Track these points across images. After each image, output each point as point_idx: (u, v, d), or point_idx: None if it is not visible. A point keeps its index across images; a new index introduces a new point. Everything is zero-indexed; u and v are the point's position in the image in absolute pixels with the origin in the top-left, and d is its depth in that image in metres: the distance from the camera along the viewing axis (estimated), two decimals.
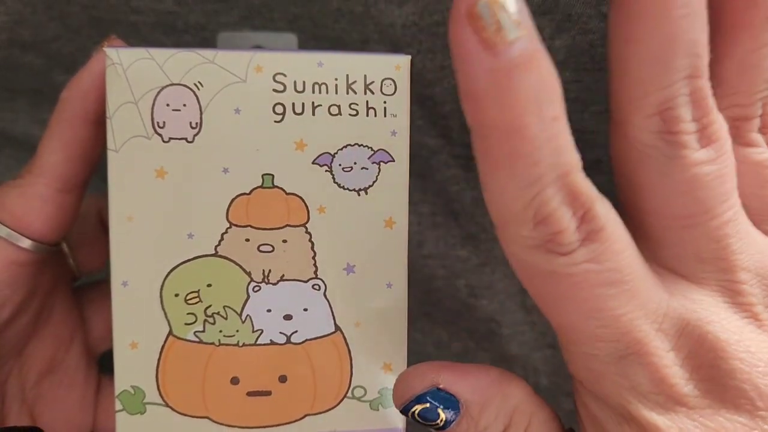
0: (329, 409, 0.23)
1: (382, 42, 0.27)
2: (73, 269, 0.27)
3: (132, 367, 0.22)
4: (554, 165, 0.16)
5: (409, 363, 0.24)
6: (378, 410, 0.23)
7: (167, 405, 0.22)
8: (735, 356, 0.18)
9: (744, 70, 0.19)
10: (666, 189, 0.18)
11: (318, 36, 0.27)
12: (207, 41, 0.28)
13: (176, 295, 0.22)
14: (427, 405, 0.20)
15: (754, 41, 0.19)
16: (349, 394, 0.23)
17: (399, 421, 0.23)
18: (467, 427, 0.20)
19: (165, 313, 0.22)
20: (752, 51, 0.19)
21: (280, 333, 0.22)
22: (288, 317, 0.22)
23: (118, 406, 0.22)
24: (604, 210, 0.17)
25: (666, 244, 0.19)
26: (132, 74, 0.21)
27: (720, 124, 0.18)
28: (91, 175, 0.25)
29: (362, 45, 0.27)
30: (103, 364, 0.28)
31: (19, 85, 0.30)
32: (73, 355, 0.27)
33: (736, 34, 0.19)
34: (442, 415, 0.20)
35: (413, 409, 0.20)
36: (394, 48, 0.26)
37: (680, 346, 0.18)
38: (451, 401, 0.20)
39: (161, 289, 0.22)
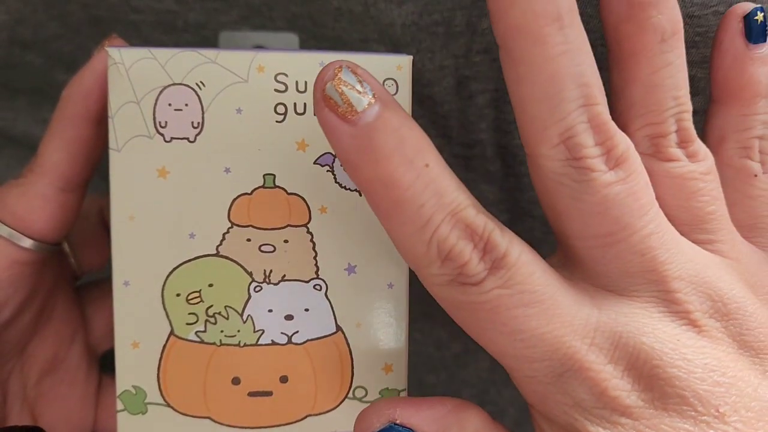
0: (330, 410, 0.23)
1: (381, 41, 0.27)
2: (74, 268, 0.27)
3: (133, 367, 0.22)
4: (440, 205, 0.18)
5: (410, 364, 0.24)
6: None
7: (168, 405, 0.22)
8: (672, 364, 0.18)
9: (649, 90, 0.20)
10: (582, 212, 0.19)
11: (317, 35, 0.27)
12: (207, 40, 0.28)
13: (178, 295, 0.22)
14: None
15: (652, 64, 0.20)
16: (350, 395, 0.23)
17: None
18: None
19: (166, 313, 0.22)
20: (653, 72, 0.20)
21: (282, 333, 0.22)
22: (289, 317, 0.22)
23: (119, 405, 0.22)
24: (505, 238, 0.19)
25: (593, 263, 0.20)
26: (134, 74, 0.21)
27: (626, 145, 0.19)
28: (93, 175, 0.25)
29: (362, 44, 0.27)
30: (104, 364, 0.28)
31: (19, 85, 0.30)
32: (75, 354, 0.27)
33: (635, 59, 0.20)
34: None
35: None
36: (394, 47, 0.26)
37: (617, 358, 0.19)
38: None
39: (163, 288, 0.22)
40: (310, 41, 0.28)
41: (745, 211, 0.22)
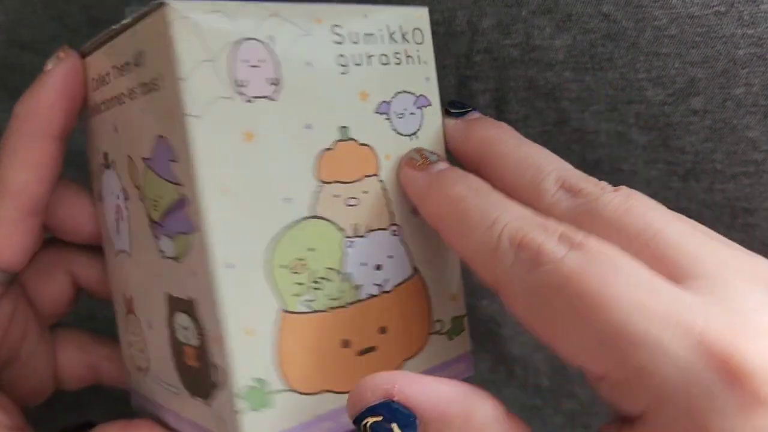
0: (421, 349, 0.23)
1: None
2: None
3: (250, 358, 0.20)
4: (506, 210, 0.19)
5: None
6: (452, 339, 0.24)
7: (292, 389, 0.20)
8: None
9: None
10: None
11: None
12: None
13: (282, 266, 0.20)
14: (380, 418, 0.18)
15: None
16: (432, 330, 0.24)
17: (468, 344, 0.25)
18: None
19: (275, 288, 0.20)
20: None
21: (374, 284, 0.22)
22: (379, 267, 0.22)
23: (239, 405, 0.19)
24: (581, 232, 0.18)
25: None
26: (202, 29, 0.19)
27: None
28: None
29: None
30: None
31: (17, 85, 0.25)
32: (30, 342, 0.25)
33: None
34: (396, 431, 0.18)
35: (365, 421, 0.18)
36: None
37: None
38: (406, 417, 0.18)
39: (268, 262, 0.20)
40: None
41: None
